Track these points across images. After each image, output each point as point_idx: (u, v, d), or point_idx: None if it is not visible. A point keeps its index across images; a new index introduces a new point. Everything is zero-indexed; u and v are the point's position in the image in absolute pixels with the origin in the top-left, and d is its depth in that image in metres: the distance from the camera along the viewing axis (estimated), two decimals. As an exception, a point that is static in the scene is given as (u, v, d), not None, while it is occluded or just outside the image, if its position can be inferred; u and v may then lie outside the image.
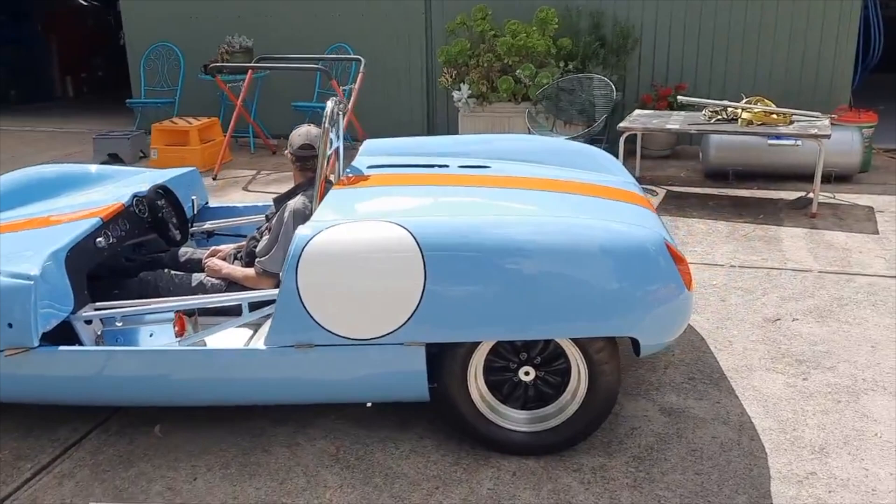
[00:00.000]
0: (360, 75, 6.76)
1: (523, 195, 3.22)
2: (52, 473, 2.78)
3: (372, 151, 3.89)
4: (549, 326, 2.62)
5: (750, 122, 5.43)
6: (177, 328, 3.04)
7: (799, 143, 5.72)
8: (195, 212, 4.02)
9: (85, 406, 3.08)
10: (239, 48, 7.50)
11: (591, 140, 6.08)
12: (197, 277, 3.44)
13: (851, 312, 3.85)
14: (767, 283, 4.21)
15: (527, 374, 2.76)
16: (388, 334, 2.62)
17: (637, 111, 6.23)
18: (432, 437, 2.90)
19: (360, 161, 3.77)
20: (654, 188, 6.03)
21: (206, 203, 4.24)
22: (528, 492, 2.61)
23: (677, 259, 2.75)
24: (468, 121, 7.15)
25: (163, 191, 3.75)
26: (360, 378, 2.75)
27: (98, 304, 3.12)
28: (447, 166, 3.62)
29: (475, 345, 2.68)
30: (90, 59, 12.06)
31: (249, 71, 7.02)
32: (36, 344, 2.76)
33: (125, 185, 3.93)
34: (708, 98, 6.20)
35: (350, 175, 3.55)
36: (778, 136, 5.57)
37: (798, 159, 5.84)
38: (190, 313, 3.17)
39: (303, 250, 2.62)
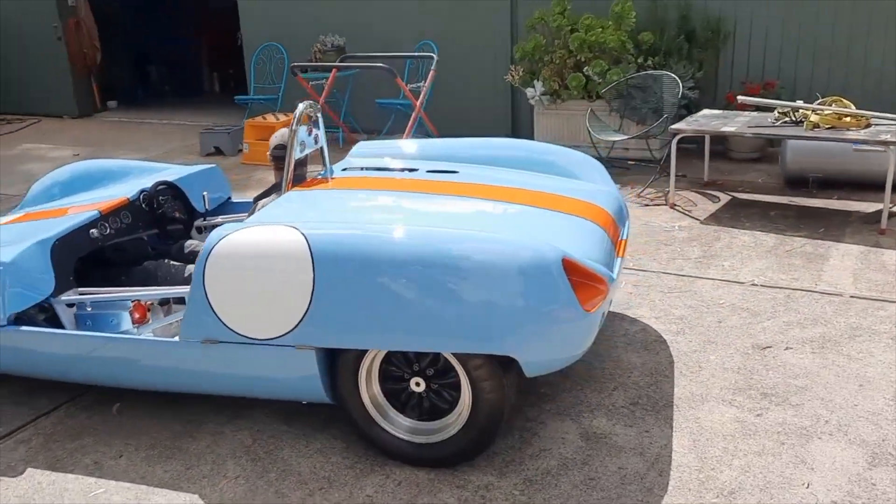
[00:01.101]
0: (430, 73, 6.85)
1: (458, 204, 3.19)
2: (15, 438, 3.15)
3: (360, 153, 3.99)
4: (430, 339, 2.60)
5: (816, 126, 4.93)
6: (136, 315, 3.32)
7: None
8: (206, 207, 4.30)
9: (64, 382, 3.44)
10: (331, 47, 7.84)
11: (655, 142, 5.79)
12: (190, 268, 3.71)
13: (860, 345, 3.44)
14: (781, 306, 3.84)
15: (418, 384, 2.76)
16: (281, 336, 2.72)
17: (704, 111, 5.84)
18: (344, 439, 2.97)
19: (344, 162, 3.88)
20: (716, 194, 5.64)
21: (229, 198, 4.52)
22: (402, 503, 2.61)
23: (585, 278, 2.62)
24: (543, 119, 7.04)
25: (167, 186, 4.06)
26: (261, 376, 2.87)
27: (81, 289, 3.47)
28: (416, 170, 3.64)
29: (364, 351, 2.72)
30: (235, 58, 13.00)
31: (333, 70, 7.31)
32: (3, 323, 3.13)
33: (149, 180, 4.29)
34: (797, 100, 5.70)
35: (318, 177, 3.67)
36: (855, 142, 5.01)
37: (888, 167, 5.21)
38: (164, 302, 3.45)
39: (210, 251, 2.78)
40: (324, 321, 2.65)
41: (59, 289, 3.38)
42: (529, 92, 6.92)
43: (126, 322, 3.38)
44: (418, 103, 6.90)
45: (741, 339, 3.55)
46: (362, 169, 3.75)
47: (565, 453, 2.82)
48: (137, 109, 11.06)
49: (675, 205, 5.44)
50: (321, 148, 3.89)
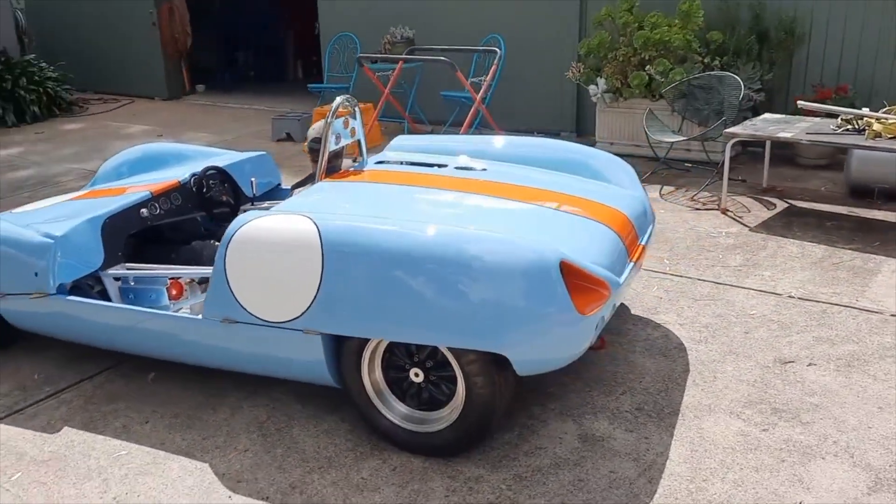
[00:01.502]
0: (492, 68, 6.89)
1: (474, 201, 3.25)
2: (59, 398, 3.42)
3: (397, 147, 4.10)
4: (426, 332, 2.68)
5: (879, 135, 4.72)
6: (173, 292, 3.54)
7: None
8: (254, 192, 4.50)
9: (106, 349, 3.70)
10: (400, 39, 7.97)
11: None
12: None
13: (889, 366, 3.32)
14: (814, 321, 3.74)
15: (417, 375, 2.85)
16: (291, 320, 2.86)
17: (766, 115, 5.66)
18: (351, 422, 3.10)
19: (380, 155, 3.99)
20: (773, 201, 5.48)
21: (279, 184, 4.71)
22: (393, 487, 2.72)
23: (585, 281, 2.65)
24: (604, 116, 6.98)
25: (216, 171, 4.27)
26: (275, 357, 3.03)
27: (129, 264, 3.73)
28: (445, 166, 3.72)
29: (366, 340, 2.82)
30: (319, 46, 13.33)
31: (400, 61, 7.44)
32: (53, 291, 3.40)
33: (202, 164, 4.53)
34: (870, 107, 5.46)
35: (352, 169, 3.80)
36: (922, 153, 4.77)
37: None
38: (203, 280, 3.67)
39: (232, 236, 2.94)
40: (330, 309, 2.77)
41: (108, 263, 3.63)
42: (592, 89, 6.87)
43: (164, 297, 3.60)
44: (478, 97, 6.96)
45: (764, 352, 3.48)
46: (399, 163, 3.84)
47: (560, 453, 2.86)
48: (223, 93, 11.53)
49: (728, 210, 5.32)
50: (358, 140, 4.02)
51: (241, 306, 2.94)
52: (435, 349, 2.78)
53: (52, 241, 3.42)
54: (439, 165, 3.75)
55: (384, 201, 3.32)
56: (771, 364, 3.38)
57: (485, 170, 3.66)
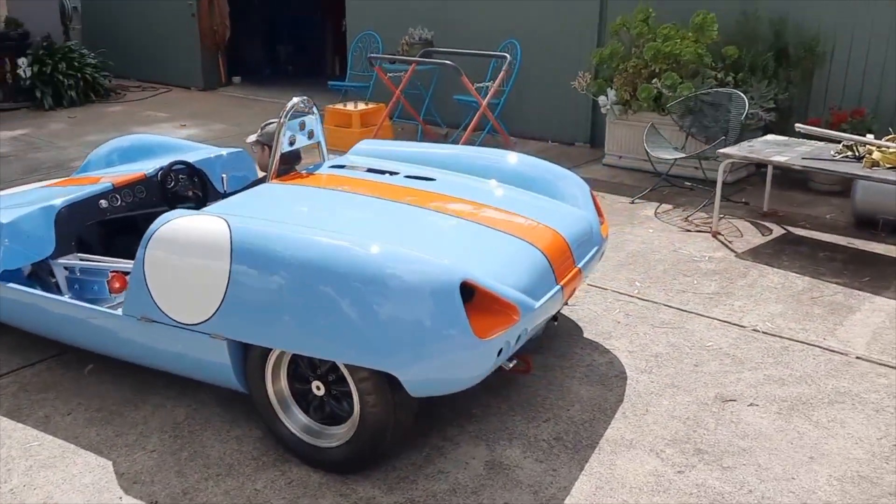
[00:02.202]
0: (501, 74, 6.78)
1: (402, 213, 3.19)
2: (-4, 383, 3.48)
3: (359, 152, 4.05)
4: (323, 346, 2.63)
5: (876, 164, 4.47)
6: (116, 285, 3.57)
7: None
8: (225, 188, 4.49)
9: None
10: (418, 40, 7.93)
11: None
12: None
13: (836, 412, 3.12)
14: (771, 358, 3.55)
15: (318, 388, 2.79)
16: (199, 324, 2.84)
17: (767, 137, 5.42)
18: (262, 430, 3.05)
19: (341, 159, 3.95)
20: (770, 226, 5.24)
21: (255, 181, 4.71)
22: (283, 502, 2.67)
23: (491, 303, 2.56)
24: (614, 129, 6.81)
25: (185, 166, 4.29)
26: (187, 358, 3.01)
27: (81, 254, 3.77)
28: (397, 174, 3.65)
29: (269, 349, 2.78)
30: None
31: (413, 63, 7.39)
32: (-3, 276, 3.47)
33: (175, 157, 4.55)
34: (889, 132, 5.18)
35: (304, 171, 3.77)
36: (923, 185, 4.49)
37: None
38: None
39: (152, 234, 2.94)
40: (234, 314, 2.74)
41: (60, 252, 3.68)
42: (601, 100, 6.70)
43: (106, 290, 3.63)
44: (484, 102, 6.86)
45: (707, 388, 3.31)
46: (352, 168, 3.79)
47: (461, 479, 2.77)
48: (257, 86, 11.66)
49: (719, 233, 5.11)
50: (319, 143, 3.99)
51: (157, 305, 2.93)
52: (335, 363, 2.72)
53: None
54: (391, 173, 3.69)
55: (314, 207, 3.28)
56: (710, 401, 3.22)
57: (433, 180, 3.58)
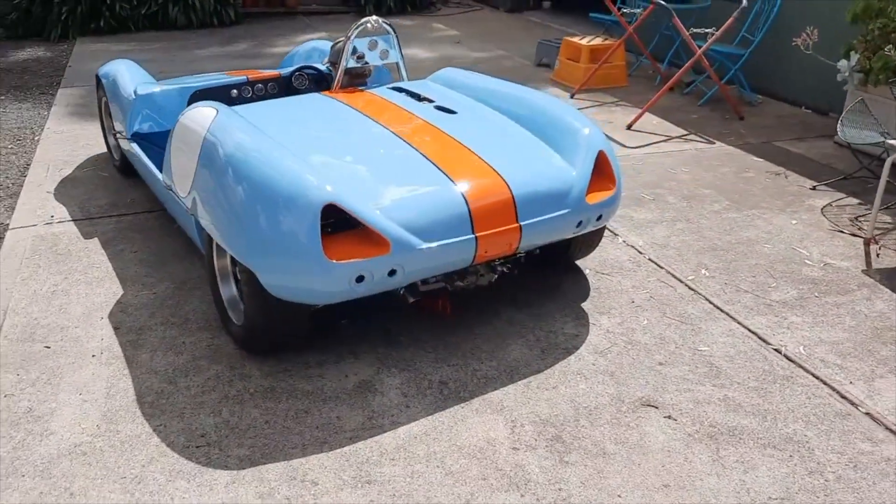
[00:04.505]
0: (730, 19, 6.07)
1: (369, 137, 3.34)
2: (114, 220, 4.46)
3: (436, 78, 4.18)
4: (223, 236, 2.96)
5: None
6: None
7: None
8: None
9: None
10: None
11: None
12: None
13: (757, 457, 2.61)
14: (756, 382, 3.01)
15: (234, 264, 3.17)
16: (183, 198, 3.38)
17: None
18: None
19: (408, 82, 4.12)
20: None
21: None
22: (197, 358, 3.15)
23: (368, 231, 2.71)
24: (852, 99, 5.71)
25: (315, 71, 4.80)
26: (187, 224, 3.55)
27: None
28: (432, 101, 3.73)
29: (212, 231, 3.22)
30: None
31: (652, 4, 6.92)
32: (129, 136, 4.40)
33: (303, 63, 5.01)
34: None
35: (365, 88, 4.05)
36: None
37: None
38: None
39: (179, 118, 3.52)
40: (194, 196, 3.20)
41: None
42: (841, 65, 5.66)
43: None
44: (699, 51, 6.23)
45: (641, 388, 2.97)
46: (398, 90, 3.94)
47: (326, 387, 2.97)
48: (562, 13, 11.72)
49: (875, 241, 4.19)
50: (397, 64, 4.20)
51: (170, 176, 3.54)
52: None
53: (134, 97, 4.38)
54: (428, 101, 3.77)
55: (306, 118, 3.57)
56: (629, 400, 2.90)
57: (455, 112, 3.60)
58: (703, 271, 3.89)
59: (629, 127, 6.19)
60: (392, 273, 2.81)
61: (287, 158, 2.90)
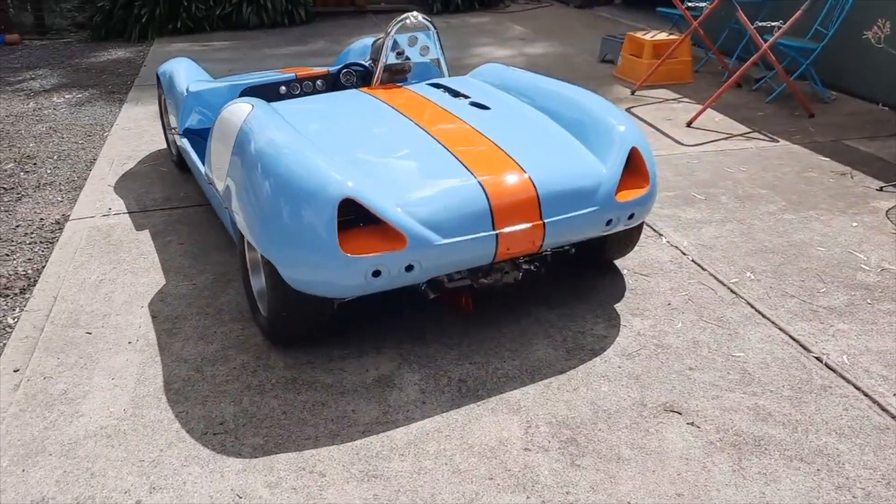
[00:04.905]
0: (798, 12, 5.81)
1: (400, 134, 3.34)
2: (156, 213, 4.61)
3: (477, 74, 4.16)
4: (249, 230, 3.01)
5: None
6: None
7: None
8: None
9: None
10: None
11: None
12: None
13: (783, 470, 2.48)
14: (791, 391, 2.86)
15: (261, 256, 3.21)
16: (220, 191, 3.46)
17: None
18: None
19: (449, 79, 4.11)
20: None
21: None
22: (227, 347, 3.23)
23: (386, 226, 2.72)
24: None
25: (362, 68, 4.84)
26: (225, 217, 3.64)
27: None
28: (468, 98, 3.71)
29: (246, 224, 3.29)
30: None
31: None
32: (181, 132, 4.54)
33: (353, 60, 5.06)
34: None
35: (399, 84, 4.05)
36: None
37: None
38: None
39: (219, 113, 3.61)
40: (228, 190, 3.28)
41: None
42: (918, 60, 5.34)
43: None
44: (765, 45, 5.97)
45: (667, 393, 2.87)
46: (436, 86, 3.93)
47: (346, 381, 2.99)
48: (633, 9, 11.48)
49: (942, 247, 3.94)
50: (438, 59, 4.19)
51: (211, 169, 3.63)
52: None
53: (186, 94, 4.52)
54: (464, 96, 3.75)
55: (340, 114, 3.61)
56: (652, 404, 2.81)
57: (488, 108, 3.56)
58: (749, 274, 3.73)
59: (689, 124, 6.01)
60: (409, 268, 2.80)
61: (312, 154, 2.93)
